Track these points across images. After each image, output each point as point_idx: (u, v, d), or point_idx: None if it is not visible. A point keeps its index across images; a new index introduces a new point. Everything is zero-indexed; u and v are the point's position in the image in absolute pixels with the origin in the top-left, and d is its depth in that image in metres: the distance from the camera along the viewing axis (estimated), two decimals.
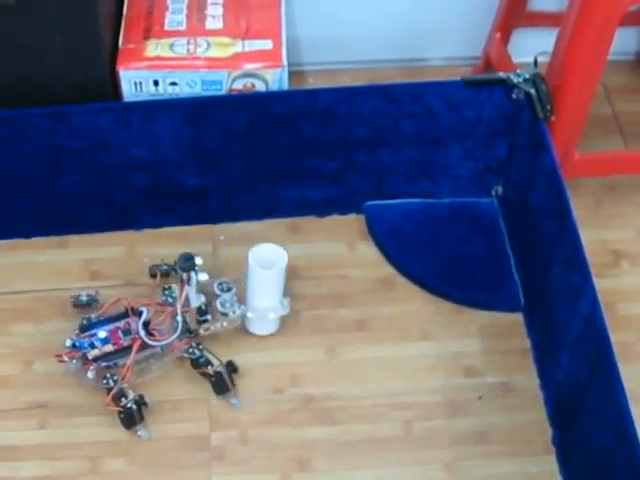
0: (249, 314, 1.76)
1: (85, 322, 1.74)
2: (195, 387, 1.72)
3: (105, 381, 1.68)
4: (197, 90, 1.78)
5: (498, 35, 2.07)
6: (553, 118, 1.76)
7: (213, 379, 1.71)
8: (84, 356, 1.70)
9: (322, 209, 1.91)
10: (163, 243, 1.89)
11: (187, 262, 1.70)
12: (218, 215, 1.91)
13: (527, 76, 1.76)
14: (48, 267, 1.86)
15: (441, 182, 1.92)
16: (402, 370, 1.75)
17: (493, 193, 1.95)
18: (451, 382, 1.74)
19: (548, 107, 1.74)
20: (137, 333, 1.72)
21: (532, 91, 1.75)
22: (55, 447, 1.65)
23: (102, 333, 1.72)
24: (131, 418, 1.66)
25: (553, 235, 1.68)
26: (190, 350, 1.73)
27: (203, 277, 1.71)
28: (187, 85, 1.77)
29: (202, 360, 1.73)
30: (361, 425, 1.69)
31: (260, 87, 1.78)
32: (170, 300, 1.78)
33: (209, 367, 1.72)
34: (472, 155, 1.89)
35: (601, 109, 2.15)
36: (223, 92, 1.79)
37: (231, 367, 1.72)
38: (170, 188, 1.85)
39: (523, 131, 1.81)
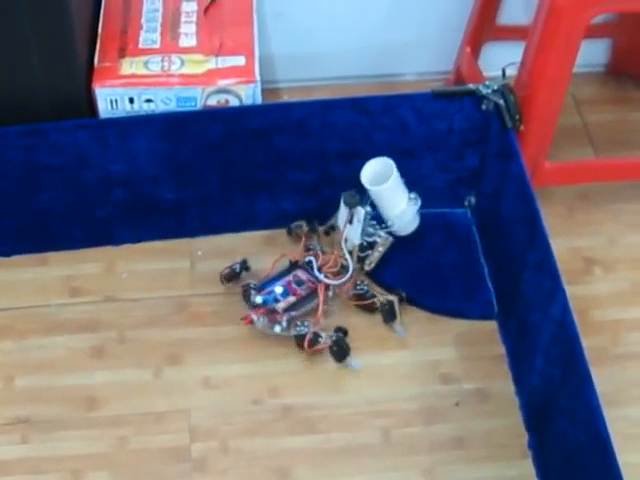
0: (394, 227, 1.84)
1: (249, 287, 1.81)
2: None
3: (299, 328, 1.77)
4: (172, 107, 1.79)
5: (468, 49, 2.10)
6: (522, 128, 1.78)
7: (386, 307, 1.81)
8: (268, 312, 1.78)
9: (298, 221, 1.92)
10: (141, 258, 1.90)
11: (352, 198, 1.79)
12: (195, 228, 1.93)
13: (495, 87, 1.78)
14: (28, 285, 1.87)
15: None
16: (379, 379, 1.77)
17: (466, 203, 1.98)
18: (428, 389, 1.76)
19: (517, 117, 1.77)
20: (316, 279, 1.82)
21: (501, 102, 1.77)
22: (37, 461, 1.66)
23: (279, 288, 1.81)
24: (342, 349, 1.77)
25: (524, 242, 1.70)
26: (358, 287, 1.83)
27: (368, 208, 1.81)
28: (162, 102, 1.78)
29: (369, 294, 1.82)
30: (340, 433, 1.70)
31: (234, 103, 1.80)
32: (317, 251, 1.88)
33: (376, 299, 1.81)
34: (444, 166, 1.91)
35: (571, 120, 2.18)
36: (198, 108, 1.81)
37: (400, 296, 1.82)
38: (148, 203, 1.87)
39: (493, 141, 1.84)
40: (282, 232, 1.94)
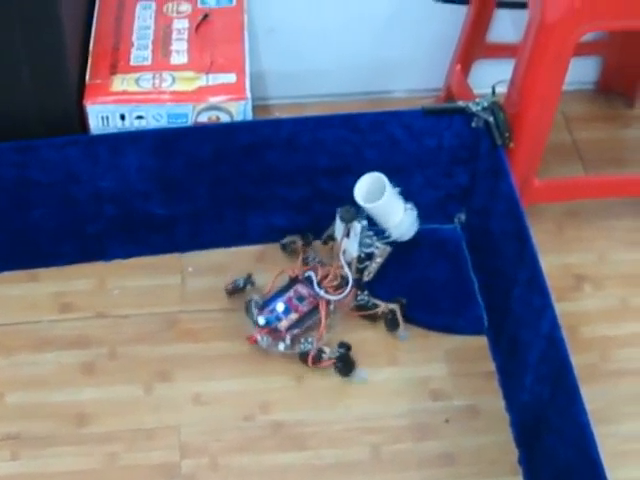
0: (393, 236, 1.85)
1: (253, 303, 1.82)
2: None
3: (302, 346, 1.78)
4: (163, 123, 1.79)
5: (458, 67, 2.11)
6: (512, 145, 1.79)
7: (389, 316, 1.83)
8: (272, 331, 1.78)
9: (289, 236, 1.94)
10: (132, 274, 1.90)
11: (348, 214, 1.80)
12: (186, 244, 1.93)
13: (485, 104, 1.79)
14: (19, 301, 1.87)
15: None
16: (370, 395, 1.77)
17: (456, 220, 1.99)
18: (418, 406, 1.76)
19: (506, 134, 1.78)
20: (316, 294, 1.82)
21: (490, 119, 1.78)
22: (28, 477, 1.65)
23: (280, 306, 1.81)
24: (347, 363, 1.78)
25: (514, 258, 1.71)
26: (359, 298, 1.84)
27: (364, 222, 1.81)
28: (153, 119, 1.79)
29: (370, 304, 1.83)
30: (330, 450, 1.70)
31: (225, 120, 1.80)
32: (315, 264, 1.89)
33: (378, 309, 1.83)
34: (434, 183, 1.92)
35: (561, 137, 2.19)
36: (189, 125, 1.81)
37: (401, 304, 1.83)
38: (138, 219, 1.87)
39: (483, 158, 1.84)
40: (273, 247, 1.94)
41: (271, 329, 1.79)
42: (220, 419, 1.73)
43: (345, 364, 1.77)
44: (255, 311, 1.80)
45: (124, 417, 1.73)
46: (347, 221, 1.81)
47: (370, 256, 1.86)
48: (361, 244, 1.83)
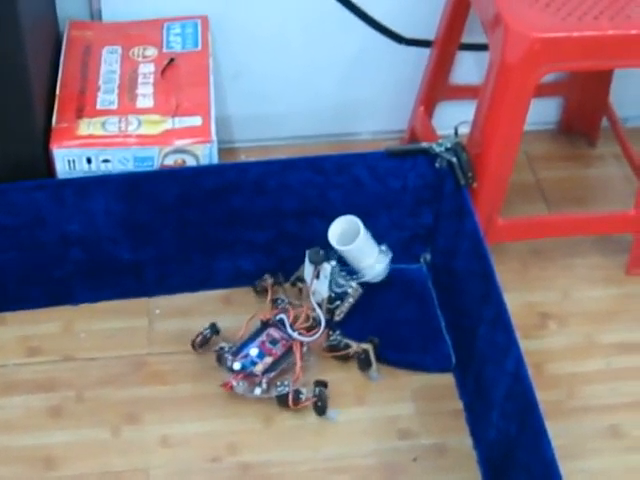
0: (367, 276, 1.87)
1: (224, 351, 1.81)
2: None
3: (280, 388, 1.78)
4: (129, 167, 1.80)
5: (422, 109, 2.13)
6: (475, 185, 1.81)
7: (362, 356, 1.83)
8: (248, 376, 1.78)
9: (256, 279, 1.94)
10: (99, 317, 1.90)
11: (317, 256, 1.81)
12: (153, 288, 1.93)
13: (448, 145, 1.81)
14: None
15: None
16: (338, 435, 1.77)
17: (422, 260, 2.00)
18: (386, 445, 1.76)
19: (469, 175, 1.80)
20: (290, 337, 1.83)
21: (453, 160, 1.80)
22: None
23: (254, 350, 1.82)
24: (324, 403, 1.78)
25: (479, 297, 1.73)
26: (332, 338, 1.85)
27: (333, 263, 1.83)
28: (119, 162, 1.80)
29: (343, 344, 1.84)
30: None
31: (190, 163, 1.81)
32: (286, 306, 1.90)
33: (350, 349, 1.84)
34: (399, 224, 1.94)
35: (524, 177, 2.22)
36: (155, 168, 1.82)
37: (373, 344, 1.83)
38: (105, 263, 1.88)
39: (447, 199, 1.86)
40: (240, 291, 1.95)
41: (247, 374, 1.79)
42: (188, 461, 1.72)
43: (323, 402, 1.78)
44: (229, 357, 1.80)
45: (92, 460, 1.72)
46: (316, 263, 1.82)
47: (340, 296, 1.87)
48: (333, 284, 1.85)
